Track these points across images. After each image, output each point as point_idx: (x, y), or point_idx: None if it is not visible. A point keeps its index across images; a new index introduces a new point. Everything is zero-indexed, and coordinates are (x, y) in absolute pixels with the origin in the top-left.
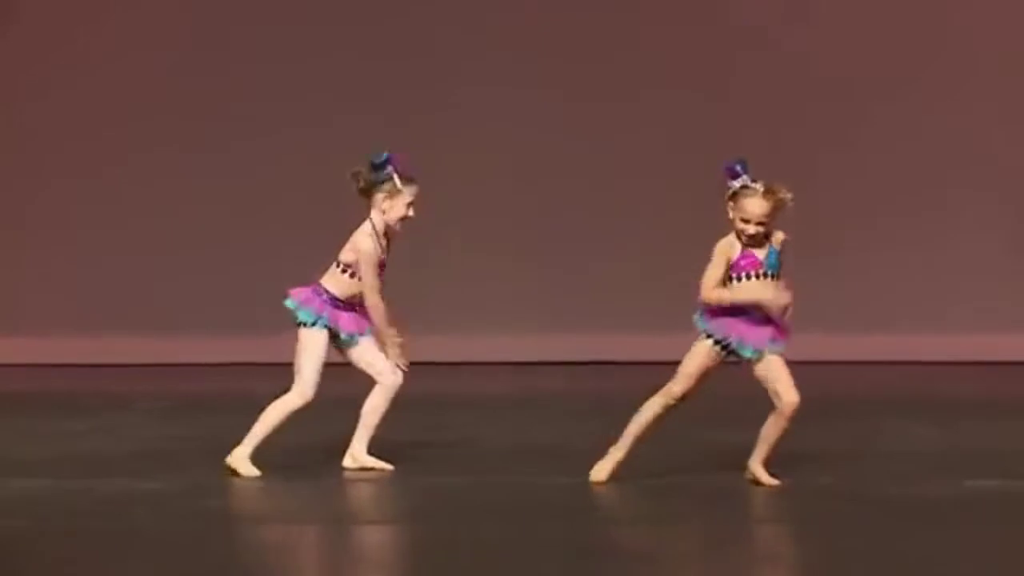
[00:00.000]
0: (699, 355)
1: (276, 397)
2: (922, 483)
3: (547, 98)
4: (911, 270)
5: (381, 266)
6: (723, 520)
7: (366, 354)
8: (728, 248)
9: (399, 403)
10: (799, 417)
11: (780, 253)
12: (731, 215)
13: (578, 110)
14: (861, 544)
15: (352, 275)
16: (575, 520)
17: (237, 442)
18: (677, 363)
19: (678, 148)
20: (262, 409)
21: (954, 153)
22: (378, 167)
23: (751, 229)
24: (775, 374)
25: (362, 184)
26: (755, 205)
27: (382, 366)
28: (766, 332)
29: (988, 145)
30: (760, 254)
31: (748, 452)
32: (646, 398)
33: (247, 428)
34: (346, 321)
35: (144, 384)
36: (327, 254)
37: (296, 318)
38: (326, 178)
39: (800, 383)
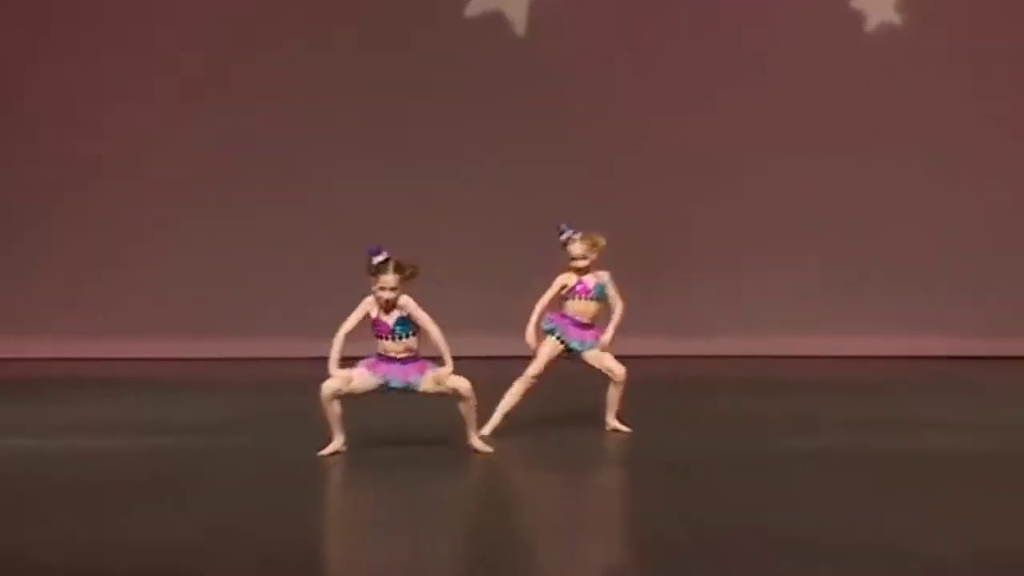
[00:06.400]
0: (547, 345)
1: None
2: (762, 442)
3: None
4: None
5: None
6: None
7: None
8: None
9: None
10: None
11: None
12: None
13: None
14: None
15: None
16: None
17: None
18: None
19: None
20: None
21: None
22: None
23: (579, 264)
24: (601, 359)
25: None
26: (576, 248)
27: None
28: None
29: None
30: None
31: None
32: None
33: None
34: None
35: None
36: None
37: None
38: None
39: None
